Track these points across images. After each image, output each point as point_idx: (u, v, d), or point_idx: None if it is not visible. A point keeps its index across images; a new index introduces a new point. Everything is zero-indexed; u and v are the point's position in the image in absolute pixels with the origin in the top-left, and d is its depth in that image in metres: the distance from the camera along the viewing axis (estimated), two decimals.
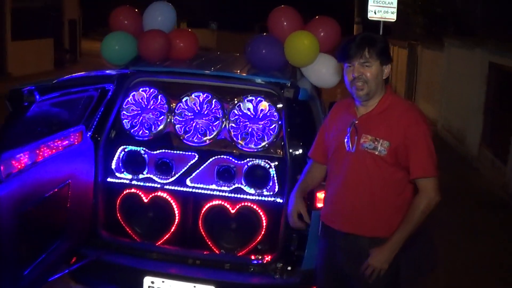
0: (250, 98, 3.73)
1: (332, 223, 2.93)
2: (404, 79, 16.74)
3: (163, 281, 3.49)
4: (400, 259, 2.89)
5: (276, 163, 3.64)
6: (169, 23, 4.26)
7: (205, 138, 3.76)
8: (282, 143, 3.63)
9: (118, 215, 3.86)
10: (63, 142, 3.17)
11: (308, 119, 3.64)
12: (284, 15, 3.99)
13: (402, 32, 17.16)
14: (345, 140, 2.83)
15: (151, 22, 4.20)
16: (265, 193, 3.66)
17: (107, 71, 3.55)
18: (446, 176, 8.26)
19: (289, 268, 3.51)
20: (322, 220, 3.02)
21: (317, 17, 4.11)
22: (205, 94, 3.80)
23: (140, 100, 3.88)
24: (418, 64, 14.78)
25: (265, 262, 3.56)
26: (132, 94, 3.89)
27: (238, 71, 3.88)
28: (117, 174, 3.85)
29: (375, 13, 10.51)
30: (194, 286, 3.46)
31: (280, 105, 3.69)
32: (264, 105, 3.71)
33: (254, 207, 3.67)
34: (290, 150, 3.50)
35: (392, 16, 10.58)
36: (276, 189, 3.65)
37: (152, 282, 3.50)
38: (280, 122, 3.67)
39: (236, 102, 3.76)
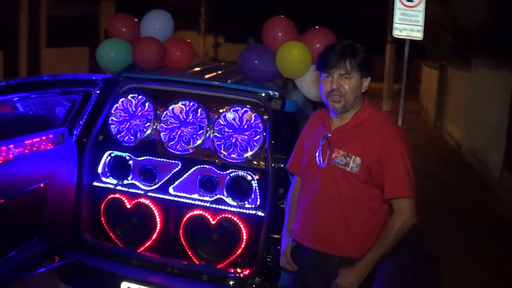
0: (236, 108, 3.69)
1: (303, 240, 2.82)
2: (435, 101, 16.43)
3: None
4: (372, 282, 2.79)
5: (259, 175, 3.58)
6: (166, 31, 4.26)
7: (188, 147, 3.73)
8: (265, 155, 3.57)
9: (102, 219, 3.86)
10: (40, 143, 3.19)
11: (294, 132, 3.56)
12: (278, 25, 3.94)
13: (435, 53, 16.90)
14: (317, 153, 2.72)
15: (148, 30, 4.21)
16: (247, 205, 3.59)
17: (85, 75, 3.54)
18: (464, 199, 8.13)
19: (266, 284, 3.43)
20: (293, 236, 2.90)
21: (316, 27, 4.03)
22: (192, 103, 3.78)
23: (128, 107, 3.89)
24: (448, 85, 14.50)
25: (242, 276, 3.49)
26: (121, 100, 3.90)
27: (228, 81, 3.84)
28: (103, 178, 3.86)
29: (400, 31, 10.34)
30: None
31: (266, 116, 3.64)
32: (250, 115, 3.66)
33: (235, 219, 3.60)
34: (272, 164, 3.43)
35: (418, 35, 10.38)
36: (258, 202, 3.57)
37: None
38: (264, 134, 3.61)
39: (221, 111, 3.72)
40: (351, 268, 2.61)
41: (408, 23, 10.22)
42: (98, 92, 3.57)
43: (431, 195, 7.92)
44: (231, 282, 3.49)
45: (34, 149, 3.19)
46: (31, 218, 3.22)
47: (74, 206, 3.66)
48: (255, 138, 3.63)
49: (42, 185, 3.25)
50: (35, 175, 3.17)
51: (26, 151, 3.09)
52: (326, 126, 2.76)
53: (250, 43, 36.64)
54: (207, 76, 3.95)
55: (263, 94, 3.64)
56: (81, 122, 3.58)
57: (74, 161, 3.57)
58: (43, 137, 3.26)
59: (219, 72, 4.15)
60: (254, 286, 3.44)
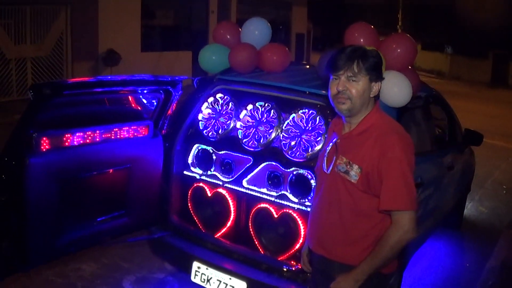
0: (304, 110, 3.88)
1: (310, 244, 2.89)
2: None
3: (207, 269, 3.88)
4: None
5: None
6: (264, 37, 4.58)
7: (259, 144, 4.02)
8: None
9: (189, 204, 4.33)
10: (123, 132, 3.75)
11: None
12: (359, 31, 4.02)
13: None
14: (324, 159, 2.76)
15: (247, 36, 4.58)
16: (307, 203, 3.77)
17: (166, 77, 4.00)
18: None
19: None
20: (306, 240, 3.01)
21: (395, 33, 4.04)
22: (267, 104, 4.06)
23: (216, 105, 4.31)
24: None
25: (294, 270, 3.69)
26: (211, 99, 4.33)
27: (303, 84, 4.02)
28: (191, 168, 4.33)
29: None
30: (230, 279, 3.77)
31: (330, 119, 3.76)
32: (315, 117, 3.83)
33: (295, 215, 3.79)
34: None
35: None
36: None
37: (199, 268, 3.91)
38: (326, 136, 3.74)
39: (291, 113, 3.94)
40: (346, 275, 2.58)
41: None
42: (179, 91, 4.02)
43: None
44: (284, 274, 3.71)
45: (122, 136, 3.77)
46: (110, 195, 3.80)
47: (160, 191, 4.18)
48: (317, 139, 3.79)
49: (125, 168, 3.81)
50: (117, 159, 3.74)
51: (106, 138, 3.68)
52: (337, 132, 2.76)
53: (447, 51, 34.82)
54: (289, 79, 4.19)
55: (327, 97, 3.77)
56: (166, 116, 4.07)
57: (160, 150, 4.08)
58: (130, 127, 3.82)
59: (303, 76, 4.35)
60: (304, 280, 3.61)
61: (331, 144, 2.77)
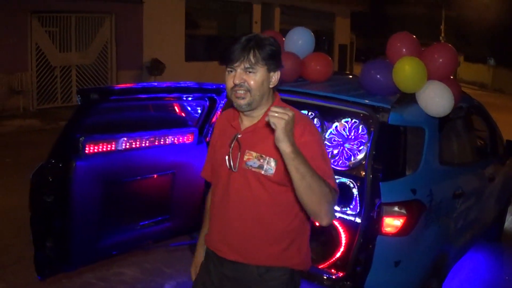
0: (347, 119, 3.90)
1: (217, 251, 2.59)
2: None
3: None
4: None
5: (360, 184, 3.73)
6: (308, 47, 4.63)
7: None
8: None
9: None
10: (168, 139, 3.83)
11: (396, 146, 3.64)
12: (400, 40, 4.03)
13: None
14: (226, 157, 2.51)
15: (291, 45, 4.63)
16: (348, 212, 3.78)
17: (210, 84, 4.05)
18: None
19: None
20: (207, 245, 2.70)
21: (437, 43, 4.04)
22: (310, 112, 4.09)
23: None
24: None
25: (334, 278, 3.69)
26: None
27: (348, 93, 4.03)
28: None
29: None
30: None
31: (373, 128, 3.77)
32: (358, 126, 3.84)
33: (336, 223, 3.81)
34: (370, 174, 3.55)
35: None
36: (358, 210, 3.73)
37: None
38: (368, 144, 3.75)
39: (334, 122, 3.96)
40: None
41: None
42: (223, 99, 4.06)
43: None
44: (324, 282, 3.71)
45: (167, 142, 3.86)
46: (155, 200, 3.89)
47: (204, 197, 4.23)
48: (359, 148, 3.80)
49: (170, 173, 3.90)
50: (162, 164, 3.83)
51: (159, 143, 3.78)
52: (235, 126, 2.55)
53: (490, 63, 34.40)
54: (331, 88, 4.21)
55: (372, 106, 3.78)
56: (210, 124, 4.14)
57: (204, 157, 4.13)
58: (175, 134, 3.90)
59: (346, 85, 4.37)
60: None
61: (232, 140, 2.52)
